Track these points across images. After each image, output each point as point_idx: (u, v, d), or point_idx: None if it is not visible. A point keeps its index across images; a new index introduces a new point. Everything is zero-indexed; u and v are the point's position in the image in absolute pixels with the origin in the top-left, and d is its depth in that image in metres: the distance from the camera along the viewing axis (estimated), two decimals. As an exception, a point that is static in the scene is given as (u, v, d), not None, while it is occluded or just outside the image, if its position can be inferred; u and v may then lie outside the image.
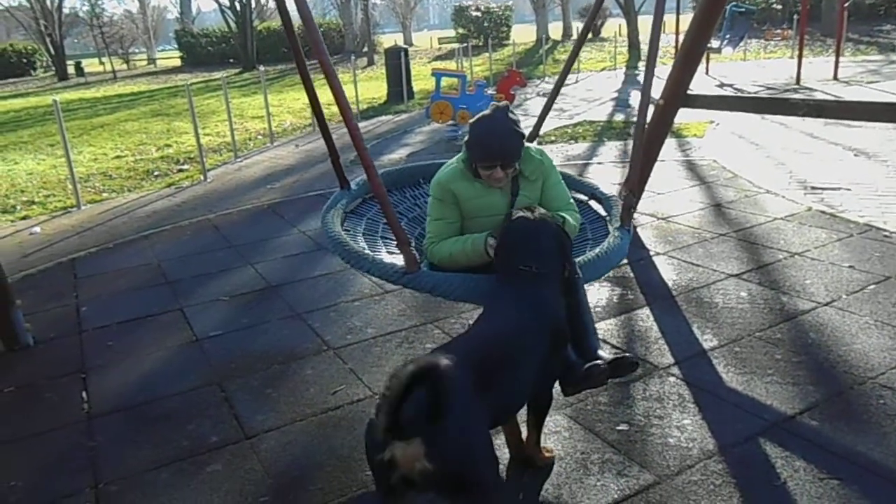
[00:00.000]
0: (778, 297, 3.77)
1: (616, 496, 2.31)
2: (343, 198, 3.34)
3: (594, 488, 2.36)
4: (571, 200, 2.89)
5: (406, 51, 14.54)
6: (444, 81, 10.36)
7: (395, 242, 2.68)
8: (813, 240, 4.60)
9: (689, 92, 4.62)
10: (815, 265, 4.17)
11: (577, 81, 16.49)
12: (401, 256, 2.65)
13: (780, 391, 2.86)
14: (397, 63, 14.00)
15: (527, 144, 2.76)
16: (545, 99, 13.22)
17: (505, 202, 2.76)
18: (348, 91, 13.39)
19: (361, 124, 11.32)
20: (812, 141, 7.76)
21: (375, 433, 1.75)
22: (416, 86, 15.31)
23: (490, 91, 10.90)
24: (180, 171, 8.87)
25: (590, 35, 29.60)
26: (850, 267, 4.09)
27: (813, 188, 5.87)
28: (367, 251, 2.91)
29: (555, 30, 36.63)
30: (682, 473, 2.40)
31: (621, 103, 12.21)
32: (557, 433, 2.68)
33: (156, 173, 8.78)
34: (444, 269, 2.74)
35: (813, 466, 2.39)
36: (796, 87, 12.52)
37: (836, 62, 13.78)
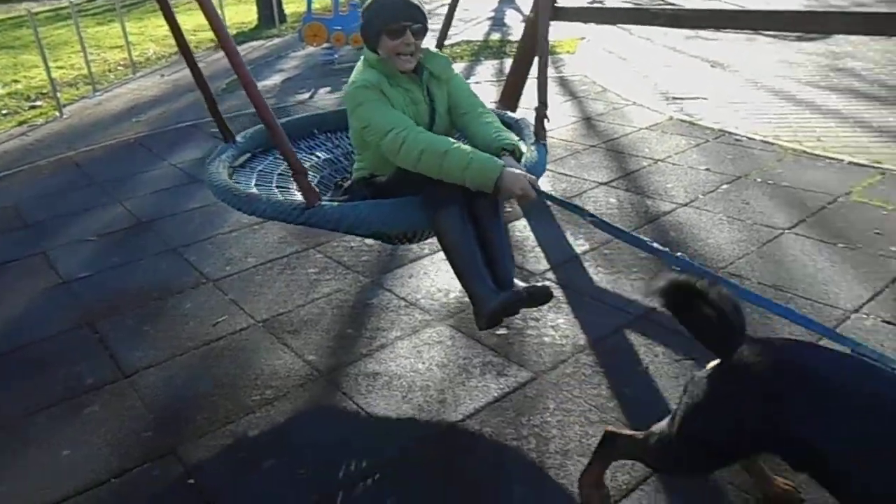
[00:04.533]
0: (643, 200, 4.01)
1: (496, 394, 2.44)
2: (228, 150, 3.02)
3: (476, 389, 2.48)
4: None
5: (274, -30, 13.72)
6: (317, 2, 9.93)
7: (291, 174, 2.40)
8: (674, 146, 4.88)
9: (557, 5, 4.67)
10: (676, 170, 4.44)
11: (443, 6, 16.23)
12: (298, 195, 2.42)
13: (643, 286, 3.08)
14: (264, -17, 13.23)
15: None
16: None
17: (425, 109, 2.53)
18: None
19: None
20: (674, 54, 8.11)
21: None
22: (288, 7, 14.56)
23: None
24: (32, 108, 8.13)
25: (465, -47, 28.82)
26: (706, 170, 4.39)
27: (674, 98, 6.17)
28: (260, 194, 2.66)
29: (430, -52, 35.64)
30: (557, 368, 2.57)
31: (497, 22, 12.18)
32: (441, 343, 2.78)
33: (3, 112, 8.00)
34: (405, 172, 2.35)
35: (671, 350, 2.62)
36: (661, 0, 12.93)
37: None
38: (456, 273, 2.32)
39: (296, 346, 2.84)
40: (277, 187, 2.93)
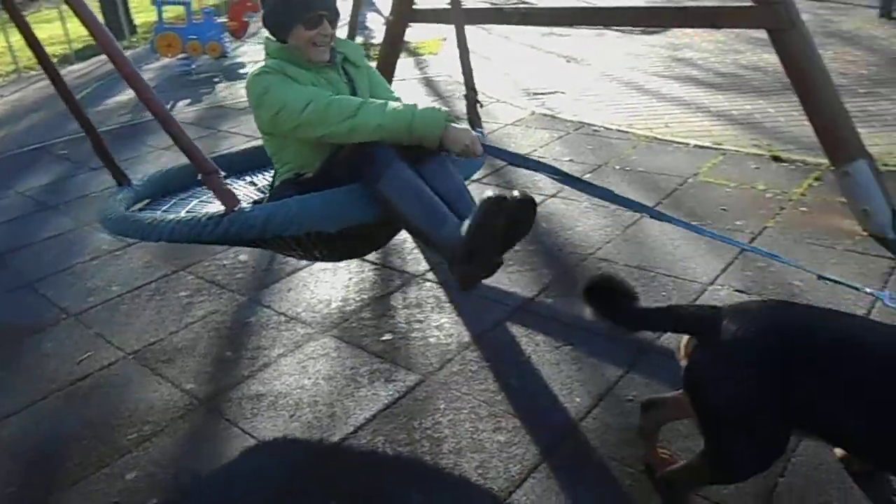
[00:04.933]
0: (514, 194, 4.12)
1: (386, 401, 2.44)
2: (124, 192, 2.65)
3: (365, 398, 2.46)
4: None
5: (118, -22, 12.92)
6: (167, 10, 9.48)
7: (200, 176, 2.07)
8: (538, 140, 5.07)
9: (415, 7, 4.72)
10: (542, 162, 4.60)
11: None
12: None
13: (520, 278, 3.18)
14: (110, -7, 12.44)
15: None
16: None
17: (346, 91, 2.40)
18: (55, 29, 11.70)
19: (78, 66, 10.00)
20: (531, 51, 8.41)
21: None
22: (138, 18, 13.78)
23: (221, 19, 10.20)
24: None
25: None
26: (569, 160, 4.59)
27: (535, 94, 6.41)
28: (169, 216, 2.31)
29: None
30: (444, 367, 2.60)
31: (359, 25, 12.13)
32: (325, 355, 2.74)
33: None
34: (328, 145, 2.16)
35: (550, 338, 2.72)
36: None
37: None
38: (416, 234, 2.12)
39: (171, 375, 2.70)
40: (187, 213, 2.62)
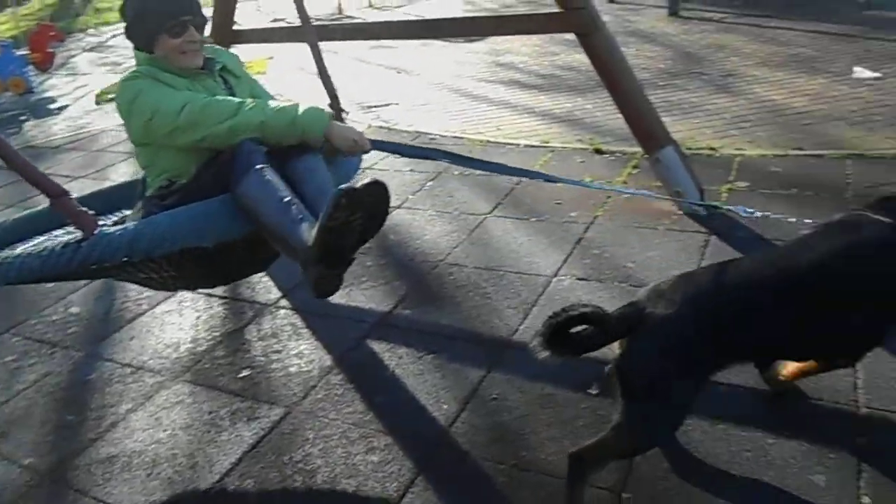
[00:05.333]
0: (359, 211, 4.13)
1: (251, 441, 2.35)
2: None
3: (228, 442, 2.36)
4: None
5: None
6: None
7: (50, 202, 1.88)
8: (377, 153, 5.09)
9: (235, 28, 4.59)
10: (384, 175, 4.57)
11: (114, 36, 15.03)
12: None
13: (375, 294, 3.19)
14: None
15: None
16: (93, 54, 11.73)
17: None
18: None
19: None
20: (361, 65, 8.45)
21: None
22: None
23: (22, 52, 9.31)
24: None
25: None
26: (410, 170, 4.66)
27: (369, 107, 6.45)
28: (28, 251, 2.06)
29: (83, -26, 32.50)
30: (308, 396, 2.54)
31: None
32: (180, 403, 2.59)
33: None
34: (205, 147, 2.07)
35: (412, 349, 2.74)
36: (340, 15, 13.37)
37: (369, -11, 15.03)
38: (272, 238, 2.03)
39: (6, 451, 2.43)
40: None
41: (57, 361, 2.95)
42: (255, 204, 1.97)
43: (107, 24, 15.69)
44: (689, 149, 4.23)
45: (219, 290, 3.36)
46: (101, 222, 2.00)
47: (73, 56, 12.05)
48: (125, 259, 1.92)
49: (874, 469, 1.92)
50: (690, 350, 1.74)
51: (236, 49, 4.66)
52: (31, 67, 9.05)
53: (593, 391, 2.36)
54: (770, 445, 2.04)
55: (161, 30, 2.19)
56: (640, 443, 1.88)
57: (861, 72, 5.61)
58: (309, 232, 1.86)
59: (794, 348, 1.91)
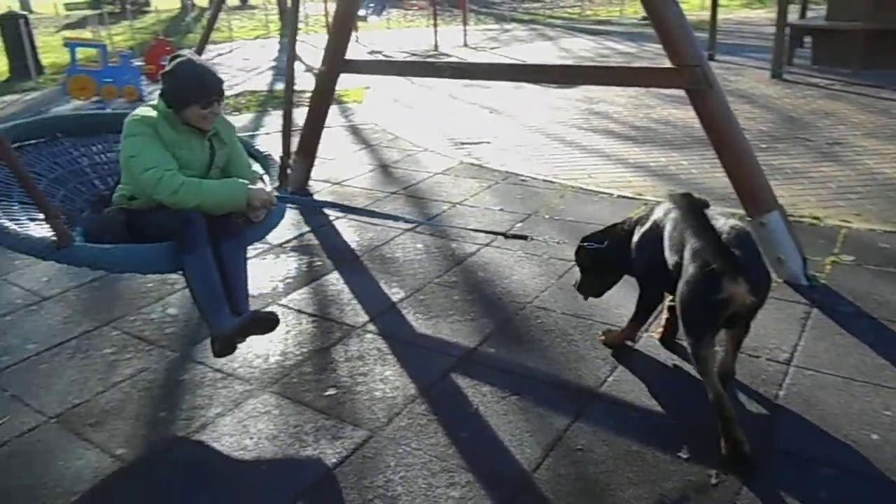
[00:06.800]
0: (448, 244, 4.17)
1: (334, 460, 2.37)
2: None
3: (312, 458, 2.39)
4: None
5: (26, 18, 12.43)
6: (81, 53, 9.16)
7: (44, 217, 2.48)
8: (468, 189, 5.16)
9: (346, 58, 4.78)
10: (473, 211, 4.70)
11: (231, 51, 15.87)
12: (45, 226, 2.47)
13: (461, 328, 3.19)
14: (17, 33, 11.92)
15: None
16: (200, 70, 12.01)
17: (204, 162, 2.84)
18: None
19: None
20: (454, 102, 8.62)
21: (710, 278, 2.20)
22: (45, 58, 13.25)
23: (137, 62, 9.93)
24: None
25: (238, 2, 28.24)
26: (500, 210, 4.69)
27: (461, 144, 6.55)
28: (5, 222, 2.59)
29: (198, -5, 34.52)
30: (392, 422, 2.55)
31: (280, 72, 12.09)
32: (267, 413, 2.64)
33: None
34: (173, 206, 2.66)
35: (496, 388, 2.73)
36: (435, 52, 13.73)
37: (465, 31, 15.40)
38: (198, 307, 2.67)
39: (100, 440, 2.53)
40: (20, 203, 2.83)
41: (153, 359, 3.07)
42: (194, 282, 2.63)
43: (213, 42, 16.58)
44: (791, 216, 4.10)
45: (309, 308, 3.45)
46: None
47: (184, 71, 12.73)
48: (85, 266, 2.64)
49: None
50: None
51: (342, 79, 4.84)
52: (143, 77, 9.62)
53: (684, 455, 2.29)
54: None
55: (196, 102, 2.72)
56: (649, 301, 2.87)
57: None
58: (224, 321, 2.57)
59: None
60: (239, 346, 2.66)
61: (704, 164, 5.42)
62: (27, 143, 3.13)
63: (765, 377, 2.70)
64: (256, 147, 3.54)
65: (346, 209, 2.77)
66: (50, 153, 3.19)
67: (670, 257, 2.49)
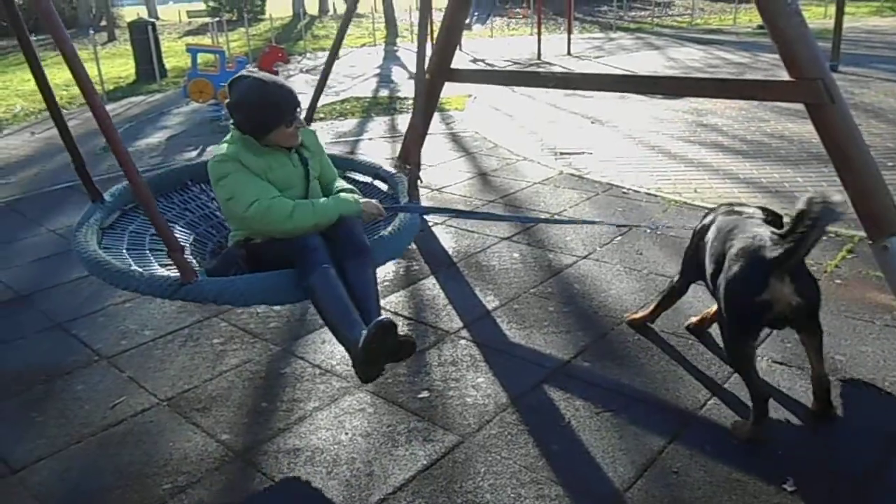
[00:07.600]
0: (545, 254, 4.14)
1: (425, 462, 2.40)
2: (96, 212, 2.95)
3: (404, 458, 2.43)
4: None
5: (153, 25, 13.36)
6: (201, 58, 9.74)
7: (167, 251, 2.43)
8: (567, 200, 5.10)
9: (451, 66, 4.84)
10: (571, 224, 4.63)
11: (339, 58, 16.40)
12: (174, 267, 2.44)
13: (555, 340, 3.16)
14: (144, 38, 12.82)
15: None
16: (308, 76, 12.82)
17: (300, 175, 2.77)
18: (90, 70, 11.99)
19: (110, 107, 10.19)
20: (555, 111, 8.55)
21: (753, 276, 2.24)
22: (168, 63, 14.17)
23: (252, 67, 10.45)
24: None
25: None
26: (600, 222, 4.61)
27: (561, 153, 6.49)
28: (133, 267, 2.63)
29: (310, 5, 35.97)
30: (483, 429, 2.56)
31: (385, 79, 12.40)
32: (362, 410, 2.71)
33: None
34: (275, 235, 2.61)
35: (590, 403, 2.68)
36: (538, 61, 13.66)
37: (569, 39, 15.25)
38: (329, 328, 2.49)
39: (206, 425, 2.67)
40: (151, 250, 2.88)
41: (257, 351, 3.21)
42: (321, 298, 2.43)
43: (322, 49, 17.20)
44: (919, 240, 3.81)
45: (405, 312, 3.51)
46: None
47: (291, 76, 13.31)
48: (210, 302, 2.55)
49: None
50: None
51: (448, 85, 4.90)
52: (259, 83, 10.09)
53: (789, 487, 2.17)
54: None
55: (282, 122, 2.63)
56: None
57: None
58: (359, 337, 2.30)
59: None
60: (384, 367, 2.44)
61: (822, 182, 5.12)
62: (159, 194, 3.14)
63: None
64: (383, 168, 3.55)
65: (463, 214, 2.68)
66: (181, 200, 3.25)
67: (709, 264, 2.60)
